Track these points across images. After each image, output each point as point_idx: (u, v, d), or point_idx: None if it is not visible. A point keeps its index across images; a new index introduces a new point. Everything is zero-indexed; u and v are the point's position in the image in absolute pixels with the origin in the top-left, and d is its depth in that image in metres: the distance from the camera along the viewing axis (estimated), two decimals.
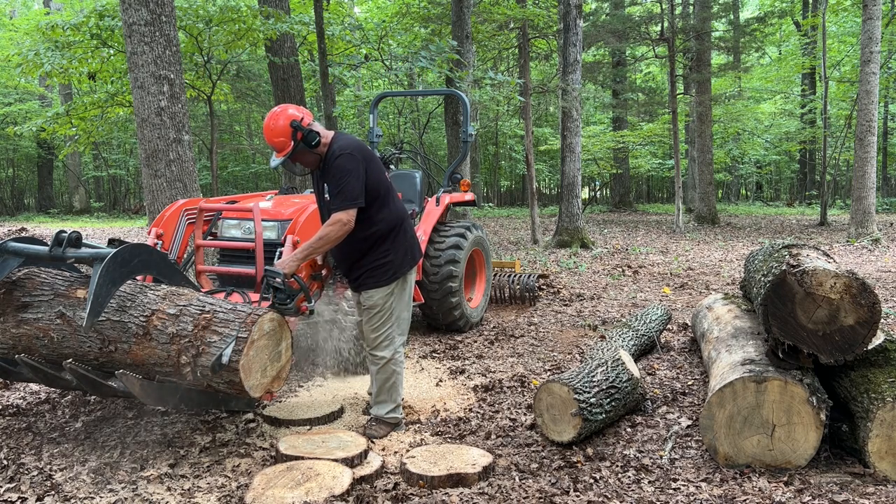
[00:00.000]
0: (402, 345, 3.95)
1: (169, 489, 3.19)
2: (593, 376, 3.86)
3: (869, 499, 3.00)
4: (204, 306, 3.30)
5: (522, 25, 14.89)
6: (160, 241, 4.51)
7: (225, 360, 3.12)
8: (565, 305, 7.57)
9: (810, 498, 3.01)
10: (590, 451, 3.58)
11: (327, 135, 3.75)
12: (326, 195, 3.72)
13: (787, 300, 3.30)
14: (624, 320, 5.84)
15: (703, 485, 3.19)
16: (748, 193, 34.28)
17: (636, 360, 5.07)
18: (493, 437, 3.84)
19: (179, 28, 9.28)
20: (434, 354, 5.64)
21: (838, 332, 3.25)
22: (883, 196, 24.78)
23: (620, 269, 10.29)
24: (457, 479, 3.20)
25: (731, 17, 20.70)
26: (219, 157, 22.65)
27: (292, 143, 3.62)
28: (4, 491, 3.17)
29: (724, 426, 3.36)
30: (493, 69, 20.05)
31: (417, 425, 4.05)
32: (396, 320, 3.86)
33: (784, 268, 3.38)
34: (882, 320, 4.52)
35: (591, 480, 3.25)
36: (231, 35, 10.81)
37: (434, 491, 3.13)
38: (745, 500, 3.01)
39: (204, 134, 21.04)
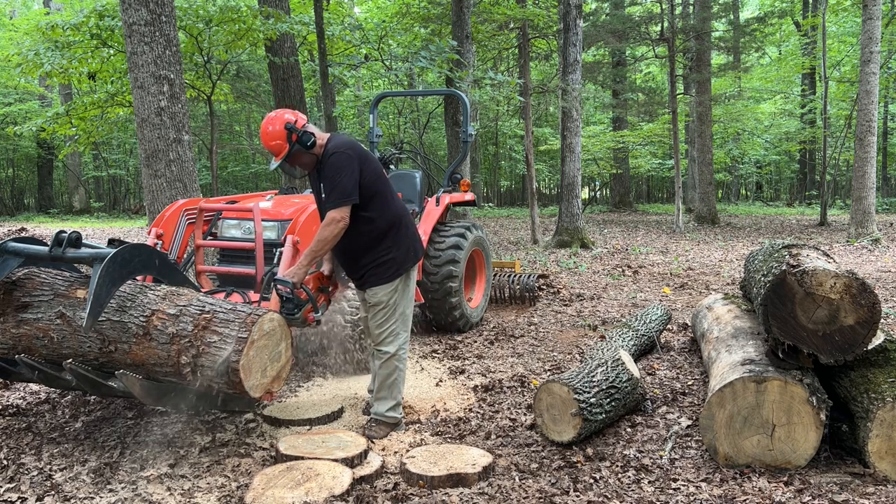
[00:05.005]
0: (407, 340, 3.97)
1: (169, 489, 3.19)
2: (593, 376, 3.86)
3: (869, 499, 3.00)
4: (204, 306, 3.30)
5: (522, 25, 14.90)
6: (160, 241, 4.51)
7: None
8: (565, 305, 7.56)
9: (810, 498, 3.01)
10: (590, 451, 3.58)
11: (323, 136, 3.81)
12: (323, 195, 3.77)
13: (787, 300, 3.30)
14: (624, 320, 5.84)
15: (703, 485, 3.19)
16: (748, 193, 34.30)
17: (636, 360, 5.07)
18: (493, 437, 3.84)
19: (179, 28, 9.28)
20: (434, 354, 5.64)
21: (838, 332, 3.25)
22: (883, 196, 24.78)
23: (620, 269, 10.29)
24: (457, 479, 3.20)
25: (731, 17, 20.71)
26: (219, 157, 22.67)
27: (288, 145, 3.68)
28: (4, 491, 3.17)
29: (724, 426, 3.36)
30: (493, 69, 20.05)
31: (417, 425, 4.05)
32: (401, 316, 3.90)
33: (784, 268, 3.38)
34: (882, 320, 4.53)
35: (591, 480, 3.25)
36: (231, 35, 10.82)
37: (434, 491, 3.13)
38: (745, 500, 3.01)
39: (204, 134, 21.04)
